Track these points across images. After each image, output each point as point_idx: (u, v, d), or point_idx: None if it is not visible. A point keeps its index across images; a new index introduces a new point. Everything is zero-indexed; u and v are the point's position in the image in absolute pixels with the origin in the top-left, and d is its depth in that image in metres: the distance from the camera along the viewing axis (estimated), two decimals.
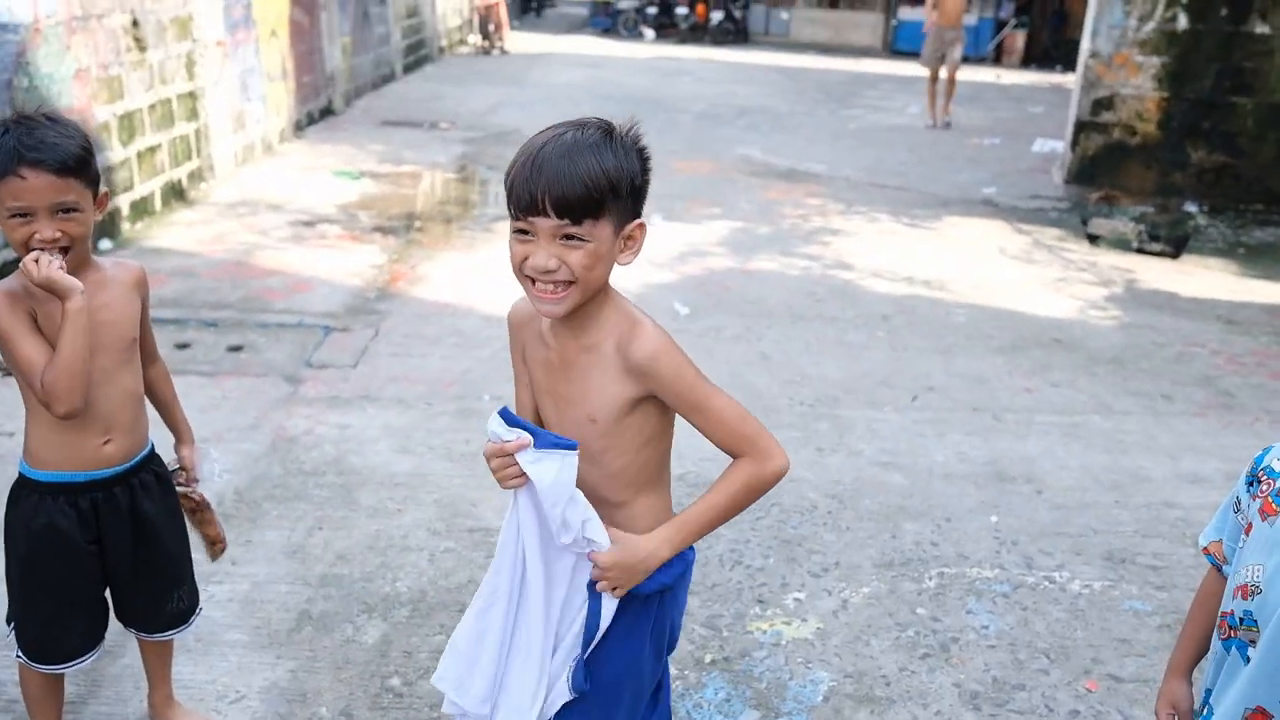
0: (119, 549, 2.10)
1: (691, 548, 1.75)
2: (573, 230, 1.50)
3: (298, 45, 9.79)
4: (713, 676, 2.70)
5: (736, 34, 22.23)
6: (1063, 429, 4.22)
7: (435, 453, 3.79)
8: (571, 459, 1.57)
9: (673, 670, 2.68)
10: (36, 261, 1.83)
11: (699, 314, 5.37)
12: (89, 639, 2.16)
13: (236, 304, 5.20)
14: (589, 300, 1.58)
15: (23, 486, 2.06)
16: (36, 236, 1.86)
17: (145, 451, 2.15)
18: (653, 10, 22.83)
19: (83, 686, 2.49)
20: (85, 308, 1.86)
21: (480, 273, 5.86)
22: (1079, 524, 3.51)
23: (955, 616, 2.99)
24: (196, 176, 7.35)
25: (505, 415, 1.61)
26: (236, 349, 4.67)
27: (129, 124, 6.35)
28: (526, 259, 1.53)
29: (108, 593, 2.19)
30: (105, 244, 5.95)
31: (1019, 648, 2.87)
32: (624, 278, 5.99)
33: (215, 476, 2.40)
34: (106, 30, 6.07)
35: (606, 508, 1.67)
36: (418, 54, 14.87)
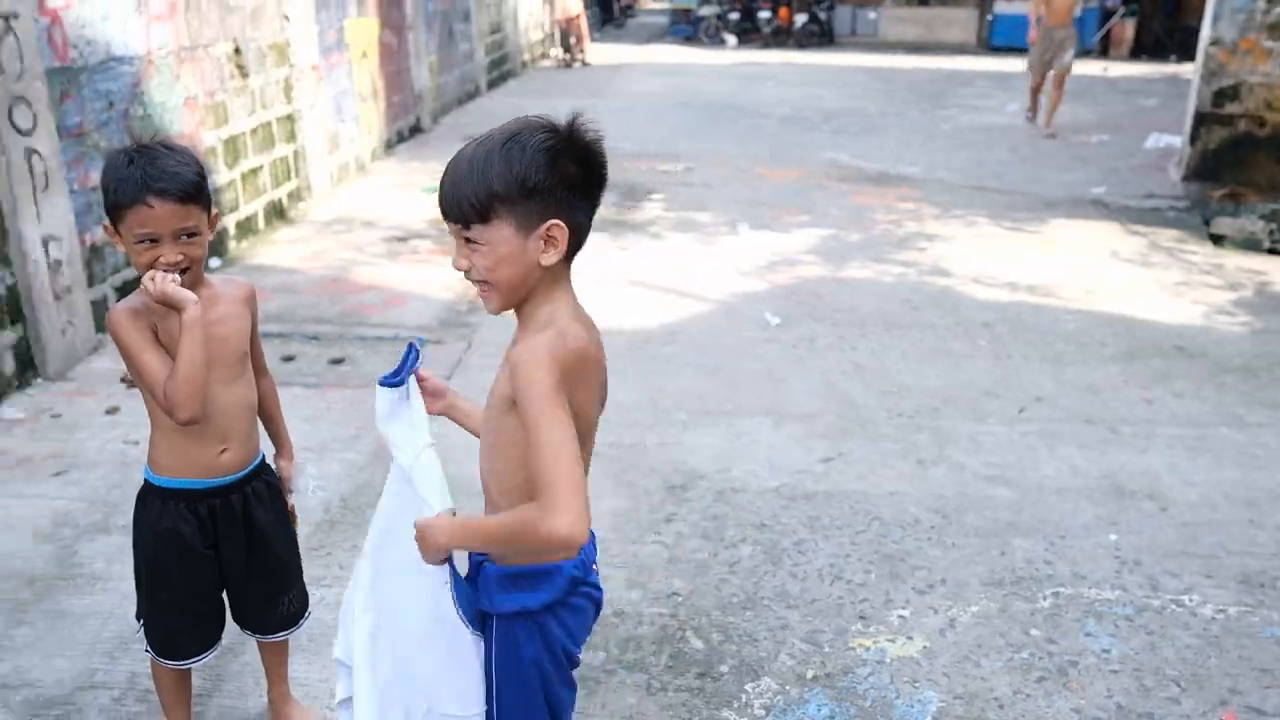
0: (234, 554, 2.24)
1: (599, 589, 1.81)
2: (467, 234, 1.62)
3: (387, 66, 10.13)
4: (815, 693, 2.72)
5: (822, 36, 22.16)
6: (1187, 442, 4.12)
7: None
8: (382, 391, 1.78)
9: (773, 685, 2.74)
10: (154, 279, 1.99)
11: (790, 323, 5.41)
12: (209, 638, 2.33)
13: (335, 319, 5.43)
14: (525, 300, 1.67)
15: (148, 492, 2.21)
16: (161, 260, 2.01)
17: (258, 461, 2.28)
18: (734, 16, 22.90)
19: (208, 681, 2.66)
20: (200, 318, 2.00)
21: None
22: (1209, 544, 3.41)
23: (1073, 639, 2.94)
24: (295, 196, 7.67)
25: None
26: (338, 362, 4.88)
27: (233, 147, 6.68)
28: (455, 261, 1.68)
29: (225, 595, 2.35)
30: (214, 262, 6.26)
31: (1145, 674, 2.80)
32: (712, 286, 6.04)
33: (309, 491, 2.54)
34: (212, 59, 6.40)
35: (490, 505, 1.77)
36: (501, 69, 15.21)
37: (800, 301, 5.78)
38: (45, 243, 4.57)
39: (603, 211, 6.94)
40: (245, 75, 6.86)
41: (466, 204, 1.59)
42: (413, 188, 8.48)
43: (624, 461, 3.92)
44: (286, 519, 2.38)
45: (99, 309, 5.07)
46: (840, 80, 15.55)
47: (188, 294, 2.00)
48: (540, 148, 1.58)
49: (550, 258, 1.62)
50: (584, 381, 1.66)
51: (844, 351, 5.04)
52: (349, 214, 7.65)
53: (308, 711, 2.58)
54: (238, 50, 6.76)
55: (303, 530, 3.40)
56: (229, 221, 6.60)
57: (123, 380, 4.54)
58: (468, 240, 1.62)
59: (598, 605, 1.83)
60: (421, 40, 11.29)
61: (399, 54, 10.56)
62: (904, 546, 3.39)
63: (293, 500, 2.44)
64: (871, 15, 23.13)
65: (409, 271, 6.29)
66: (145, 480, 2.21)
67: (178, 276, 2.02)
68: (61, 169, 4.73)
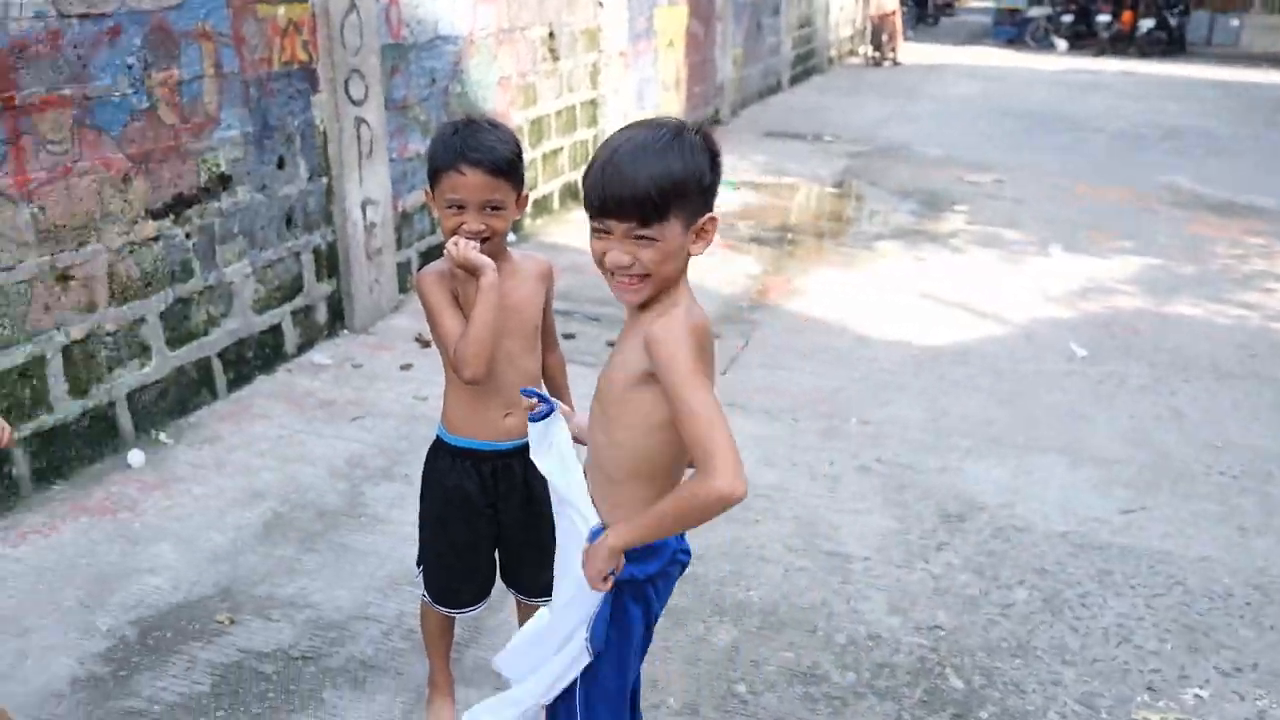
0: (511, 516, 2.38)
1: (687, 551, 1.93)
2: (642, 231, 1.67)
3: (692, 56, 10.43)
4: None
5: (1170, 44, 20.56)
6: None
7: (798, 469, 3.93)
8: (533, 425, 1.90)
9: None
10: (456, 244, 2.16)
11: (1099, 357, 5.10)
12: (480, 592, 2.51)
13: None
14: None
15: (439, 449, 2.39)
16: (464, 227, 2.17)
17: None
18: (1067, 18, 21.70)
19: (468, 631, 2.88)
20: (496, 285, 2.15)
21: (857, 290, 5.94)
22: None
23: None
24: None
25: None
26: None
27: (538, 128, 7.13)
28: (605, 255, 1.73)
29: (497, 554, 2.52)
30: (511, 238, 6.71)
31: None
32: (1013, 308, 5.74)
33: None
34: (527, 41, 6.86)
35: (601, 478, 1.85)
36: (806, 64, 15.25)
37: (1113, 335, 5.42)
38: (364, 206, 5.08)
39: (900, 219, 6.87)
40: (556, 59, 7.30)
41: (649, 202, 1.66)
42: None
43: (897, 480, 3.85)
44: None
45: (403, 271, 5.58)
46: (1188, 94, 14.38)
47: (486, 260, 2.15)
48: (702, 147, 1.71)
49: (700, 249, 1.75)
50: (708, 354, 1.76)
51: (1160, 395, 4.68)
52: None
53: None
54: (551, 34, 7.20)
55: None
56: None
57: (417, 339, 4.97)
58: (640, 236, 1.69)
59: (684, 568, 1.97)
60: (729, 32, 11.53)
61: (705, 44, 10.85)
62: (1210, 620, 3.11)
63: None
64: (1234, 23, 21.23)
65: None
66: (437, 437, 2.41)
67: (478, 244, 2.16)
68: (385, 138, 5.24)
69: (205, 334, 4.20)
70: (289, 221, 4.66)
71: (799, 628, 3.01)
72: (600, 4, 7.98)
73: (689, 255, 1.76)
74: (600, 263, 1.75)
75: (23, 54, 3.34)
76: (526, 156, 6.88)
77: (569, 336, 5.17)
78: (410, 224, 5.68)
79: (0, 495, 3.38)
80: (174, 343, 4.04)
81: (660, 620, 2.98)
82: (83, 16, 3.54)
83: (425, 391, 4.41)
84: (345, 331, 5.07)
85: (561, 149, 7.53)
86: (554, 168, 7.45)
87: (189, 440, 3.93)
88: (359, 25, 4.93)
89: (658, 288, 1.75)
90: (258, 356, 4.51)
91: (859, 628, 3.02)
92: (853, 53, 18.67)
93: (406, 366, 4.69)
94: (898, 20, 17.51)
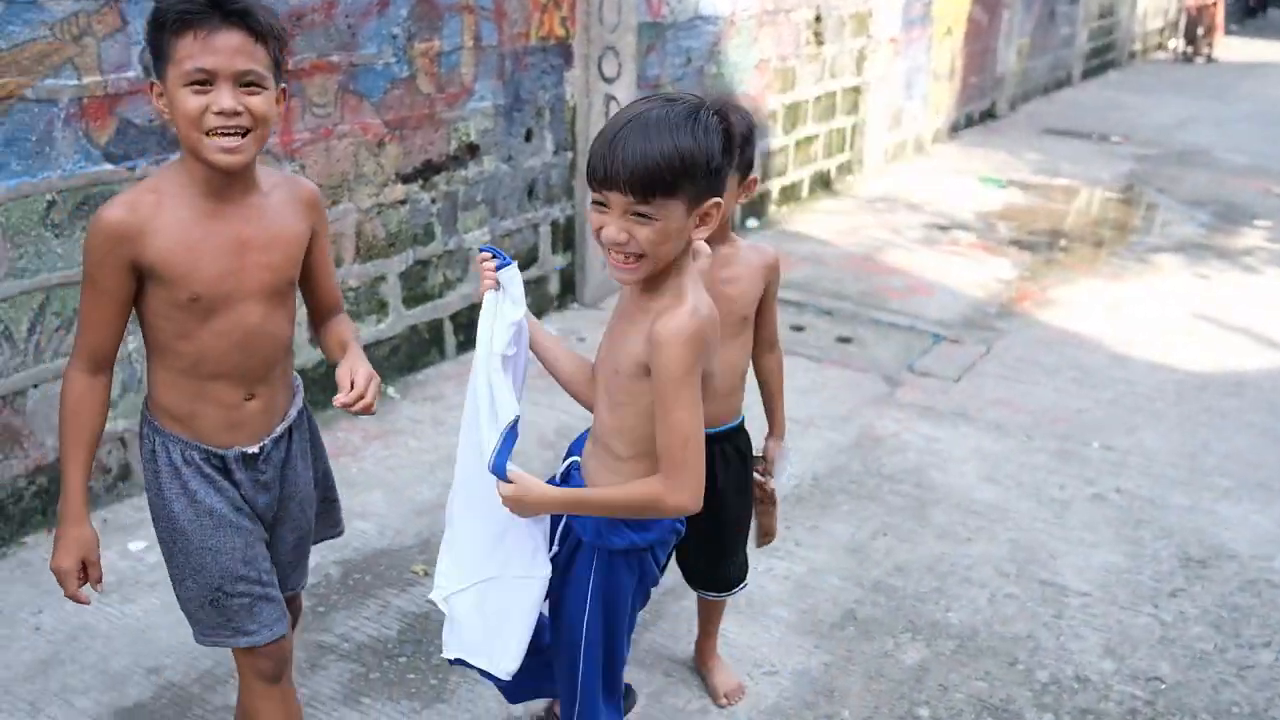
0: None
1: (683, 522, 1.96)
2: (641, 208, 1.63)
3: (971, 44, 9.97)
4: None
5: None
6: None
7: (1023, 489, 3.69)
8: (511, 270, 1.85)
9: None
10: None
11: None
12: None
13: (854, 297, 5.53)
14: (663, 270, 1.72)
15: None
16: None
17: (732, 424, 2.40)
18: None
19: (648, 615, 2.90)
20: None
21: (1122, 306, 5.50)
22: None
23: None
24: (845, 169, 7.91)
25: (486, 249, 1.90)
26: (845, 340, 4.98)
27: (794, 113, 7.05)
28: (601, 229, 1.69)
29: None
30: (751, 223, 6.71)
31: None
32: (1209, 355, 5.09)
33: (784, 478, 2.63)
34: (791, 24, 6.78)
35: (607, 455, 1.88)
36: (1102, 58, 14.23)
37: None
38: None
39: (1185, 231, 6.30)
40: (820, 43, 7.17)
41: (655, 178, 1.62)
42: (969, 175, 8.31)
43: (1134, 513, 3.54)
44: (746, 489, 2.47)
45: None
46: None
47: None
48: (719, 129, 1.67)
49: (702, 234, 1.73)
50: (707, 351, 1.76)
51: None
52: (895, 194, 7.70)
53: (728, 671, 2.71)
54: (818, 17, 7.08)
55: None
56: (774, 185, 6.98)
57: None
58: (638, 213, 1.64)
59: (679, 537, 2.02)
60: (1016, 20, 10.94)
61: (987, 33, 10.34)
62: None
63: (771, 483, 2.53)
64: None
65: (943, 262, 6.19)
66: None
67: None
68: None
69: (440, 296, 4.44)
70: (530, 193, 4.84)
71: (997, 658, 2.83)
72: None
73: (690, 240, 1.73)
74: (596, 237, 1.72)
75: (299, 21, 3.63)
76: (778, 141, 6.90)
77: (798, 329, 5.09)
78: None
79: None
80: (410, 301, 4.30)
81: (845, 629, 2.91)
82: None
83: None
84: (575, 305, 5.22)
85: (816, 136, 7.41)
86: (806, 155, 7.34)
87: (413, 396, 4.17)
88: (618, 3, 5.04)
89: (653, 268, 1.71)
90: None
91: (1066, 667, 2.80)
92: (1161, 46, 17.25)
93: None
94: (1219, 12, 16.02)
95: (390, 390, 4.18)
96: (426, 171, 4.26)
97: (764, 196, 6.90)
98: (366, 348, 4.16)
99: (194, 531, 1.86)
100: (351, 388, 1.83)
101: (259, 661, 1.96)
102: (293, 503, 2.02)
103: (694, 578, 2.58)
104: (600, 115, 5.06)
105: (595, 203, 1.69)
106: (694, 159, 1.64)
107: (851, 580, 3.16)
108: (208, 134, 1.67)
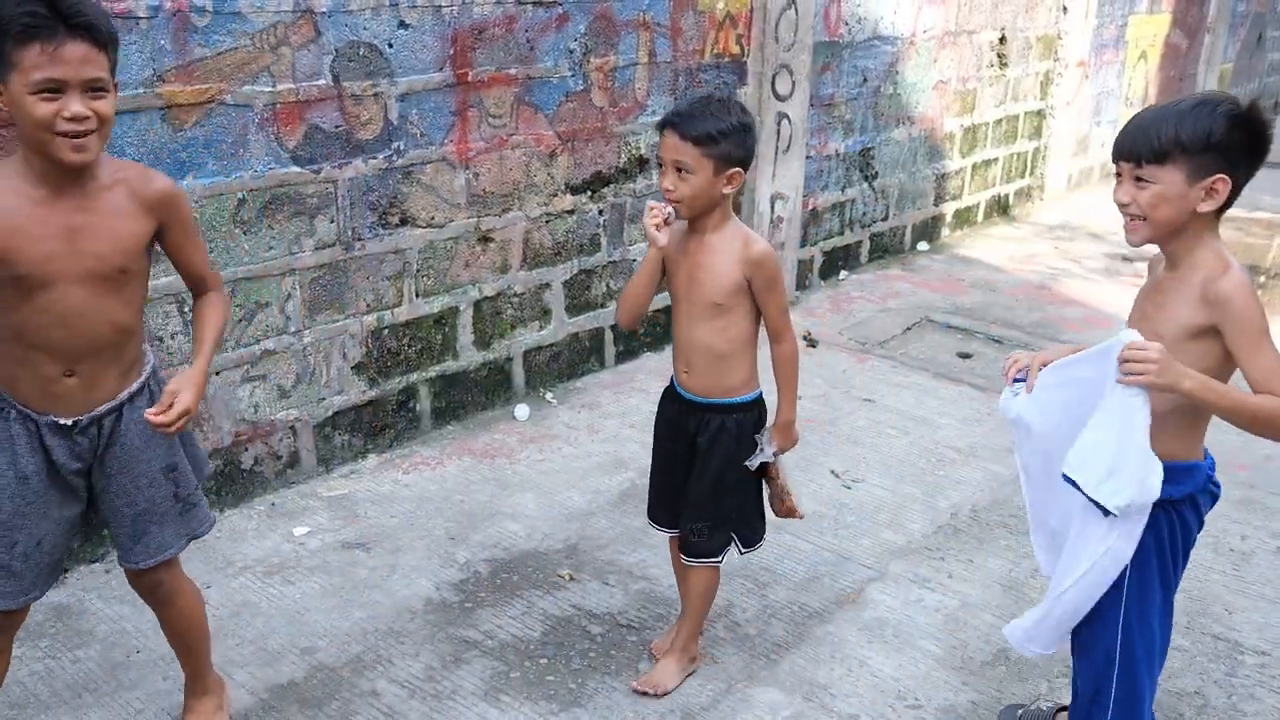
0: (681, 460, 2.55)
1: (1218, 484, 2.09)
2: (1138, 172, 1.92)
3: (1167, 70, 9.44)
4: None
5: None
6: None
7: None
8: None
9: None
10: (650, 208, 2.33)
11: None
12: (659, 517, 2.69)
13: (1027, 326, 5.28)
14: (1169, 240, 1.95)
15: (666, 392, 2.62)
16: (663, 185, 2.32)
17: (726, 400, 2.47)
18: None
19: (789, 636, 2.82)
20: (656, 258, 2.39)
21: None
22: None
23: None
24: (1024, 195, 7.58)
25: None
26: None
27: (972, 137, 6.80)
28: (1114, 192, 2.00)
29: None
30: (922, 245, 6.51)
31: None
32: None
33: (761, 458, 2.61)
34: (974, 46, 6.55)
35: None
36: None
37: None
38: (773, 200, 5.13)
39: None
40: (1004, 65, 6.91)
41: (1147, 145, 1.90)
42: None
43: None
44: (736, 457, 2.50)
45: (804, 268, 5.58)
46: None
47: (657, 237, 2.34)
48: (1225, 113, 1.88)
49: (1207, 206, 1.91)
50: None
51: None
52: (1076, 222, 7.34)
53: (669, 671, 2.62)
54: (1003, 39, 6.83)
55: (922, 528, 3.42)
56: (947, 209, 6.76)
57: (805, 337, 4.95)
58: (1137, 179, 1.92)
59: (1214, 499, 2.12)
60: (1219, 44, 10.29)
61: (1186, 58, 9.77)
62: None
63: (751, 463, 2.53)
64: None
65: (1124, 293, 5.83)
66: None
67: (672, 213, 2.33)
68: (805, 135, 5.25)
69: (602, 306, 4.46)
70: None
71: (1161, 712, 2.61)
72: (1064, 9, 7.44)
73: (1195, 210, 1.90)
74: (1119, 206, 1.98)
75: (481, 35, 3.72)
76: (954, 164, 6.68)
77: (965, 356, 4.89)
78: (819, 222, 5.65)
79: (405, 428, 3.82)
80: (572, 310, 4.34)
81: (997, 668, 2.76)
82: (536, 4, 3.87)
83: (801, 391, 4.36)
84: None
85: (995, 160, 7.14)
86: (984, 179, 7.07)
87: (571, 403, 4.20)
88: (794, 21, 4.98)
89: (1155, 231, 1.93)
90: (649, 333, 4.72)
91: None
92: None
93: None
94: None
95: (549, 395, 4.22)
96: (595, 183, 4.30)
97: (937, 219, 6.69)
98: (529, 353, 4.25)
99: None
100: (169, 409, 1.93)
101: None
102: (125, 477, 2.07)
103: (683, 518, 2.61)
104: (771, 133, 5.01)
105: (1117, 174, 1.98)
106: (1190, 133, 1.86)
107: (1006, 618, 2.98)
108: (58, 135, 1.76)
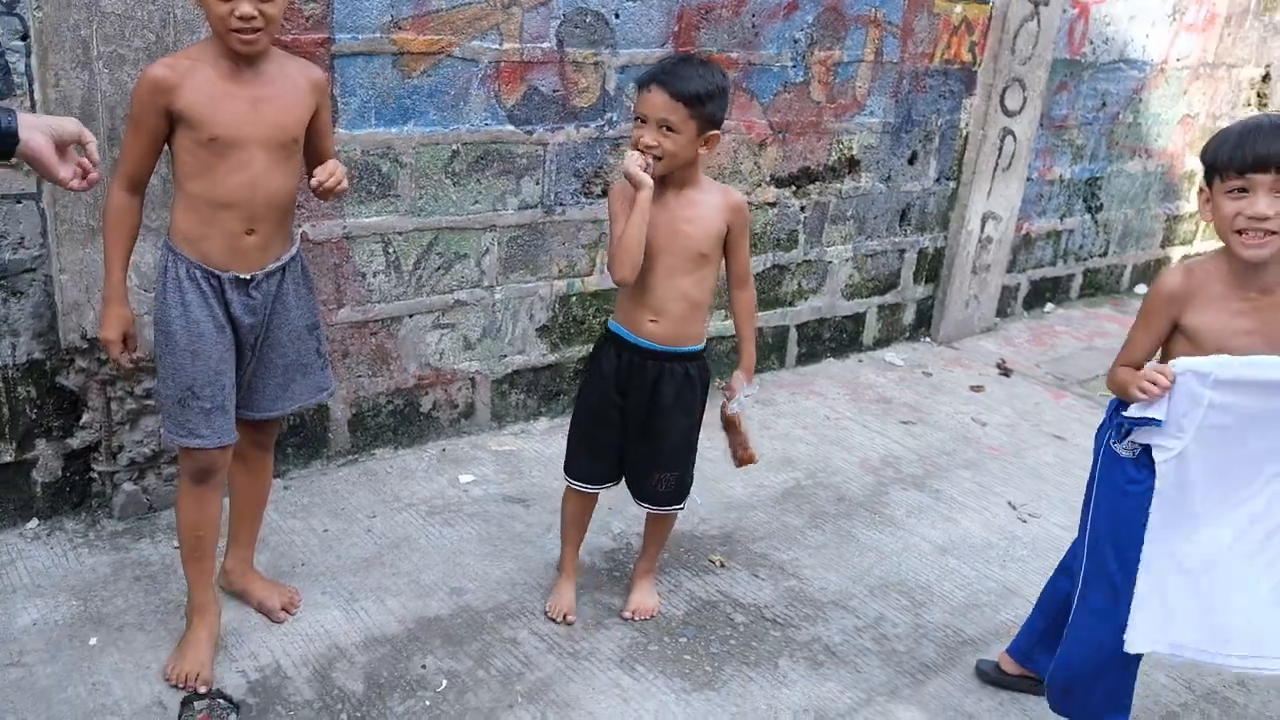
0: (636, 412, 2.58)
1: None
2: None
3: None
4: None
5: None
6: None
7: None
8: None
9: None
10: (628, 155, 2.36)
11: None
12: (597, 474, 2.69)
13: None
14: None
15: (605, 335, 2.63)
16: (642, 141, 2.36)
17: (690, 348, 2.56)
18: None
19: (944, 661, 2.73)
20: (646, 200, 2.36)
21: None
22: None
23: None
24: None
25: None
26: None
27: None
28: (1238, 214, 1.93)
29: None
30: (1141, 289, 6.14)
31: None
32: None
33: (740, 405, 2.63)
34: (1231, 81, 6.14)
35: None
36: None
37: None
38: (985, 219, 4.95)
39: None
40: (1264, 105, 6.44)
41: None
42: None
43: None
44: (692, 409, 2.62)
45: (1007, 294, 5.37)
46: None
47: (644, 178, 2.35)
48: None
49: None
50: None
51: None
52: None
53: (650, 592, 2.82)
54: (1265, 77, 6.37)
55: None
56: (1175, 252, 6.35)
57: (999, 365, 4.76)
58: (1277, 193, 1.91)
59: None
60: None
61: None
62: None
63: (733, 409, 2.65)
64: None
65: None
66: (607, 326, 2.62)
67: (652, 162, 2.36)
68: (1029, 155, 5.04)
69: (791, 304, 4.42)
70: (903, 217, 4.71)
71: None
72: None
73: None
74: (1230, 223, 1.94)
75: (707, 15, 3.75)
76: (1190, 207, 6.25)
77: None
78: (1030, 248, 5.43)
79: None
80: (761, 305, 4.30)
81: None
82: None
83: (987, 417, 4.21)
84: (927, 339, 5.02)
85: None
86: None
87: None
88: (1035, 34, 4.78)
89: None
90: (834, 339, 4.65)
91: None
92: None
93: (977, 388, 4.52)
94: None
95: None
96: (801, 179, 4.26)
97: (1161, 262, 6.30)
98: (710, 342, 4.22)
99: (181, 335, 2.19)
100: (323, 171, 2.19)
101: (193, 462, 2.30)
102: (281, 332, 2.34)
103: (631, 484, 2.71)
104: (993, 149, 4.83)
105: (1234, 190, 1.93)
106: None
107: (1178, 679, 2.80)
108: (231, 31, 2.04)
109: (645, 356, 2.54)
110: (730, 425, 2.70)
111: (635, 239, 2.39)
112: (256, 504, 2.62)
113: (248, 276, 2.23)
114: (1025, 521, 3.49)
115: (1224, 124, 6.19)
